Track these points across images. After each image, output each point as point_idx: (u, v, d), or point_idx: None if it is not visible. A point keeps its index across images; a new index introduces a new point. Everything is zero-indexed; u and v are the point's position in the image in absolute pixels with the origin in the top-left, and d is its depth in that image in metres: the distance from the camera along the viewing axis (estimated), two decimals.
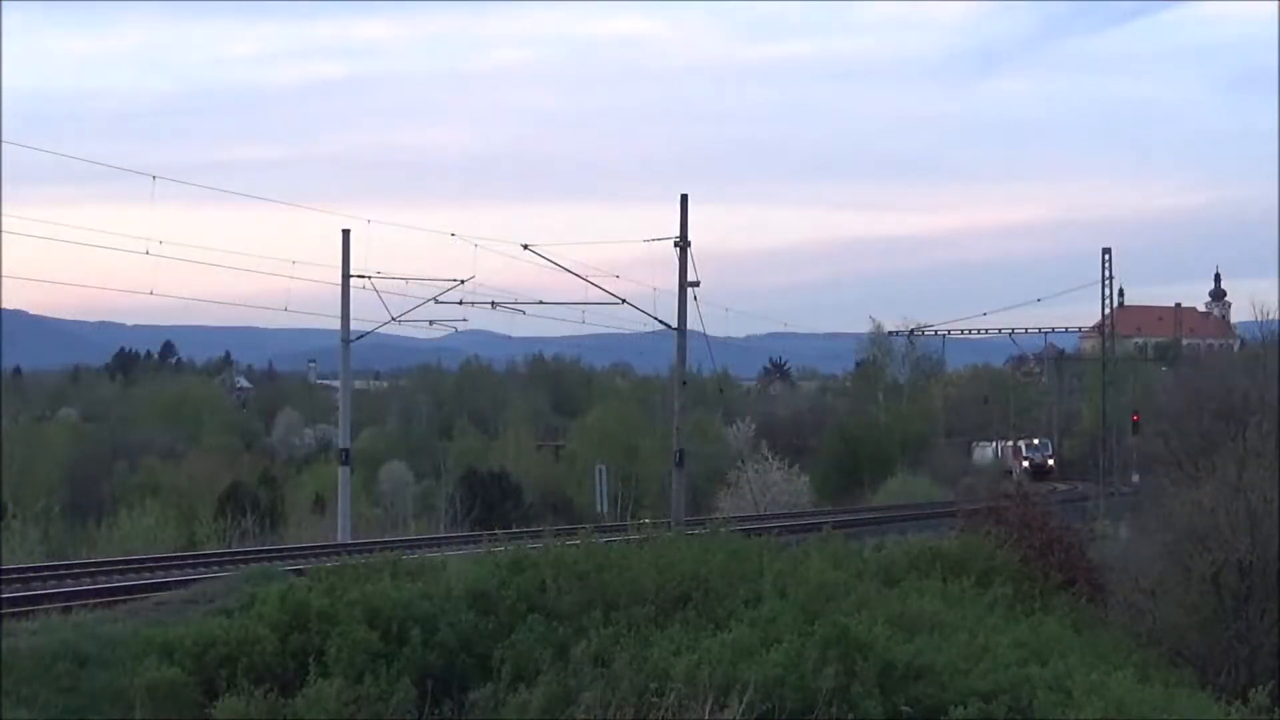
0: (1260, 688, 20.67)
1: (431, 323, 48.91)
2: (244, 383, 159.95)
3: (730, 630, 16.81)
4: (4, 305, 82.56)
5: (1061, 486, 74.18)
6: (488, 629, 17.14)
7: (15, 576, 26.23)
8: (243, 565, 26.53)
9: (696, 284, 41.58)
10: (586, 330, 52.95)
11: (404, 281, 46.78)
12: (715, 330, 54.16)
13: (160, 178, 39.33)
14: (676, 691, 15.15)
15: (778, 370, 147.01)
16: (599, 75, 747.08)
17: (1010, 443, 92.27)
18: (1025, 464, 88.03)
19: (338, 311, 47.00)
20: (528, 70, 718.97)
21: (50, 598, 21.28)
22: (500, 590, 17.99)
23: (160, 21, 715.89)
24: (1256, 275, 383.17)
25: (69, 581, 25.95)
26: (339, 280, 46.30)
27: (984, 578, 23.46)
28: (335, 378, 71.61)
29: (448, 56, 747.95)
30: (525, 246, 42.66)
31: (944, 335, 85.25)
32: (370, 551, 25.05)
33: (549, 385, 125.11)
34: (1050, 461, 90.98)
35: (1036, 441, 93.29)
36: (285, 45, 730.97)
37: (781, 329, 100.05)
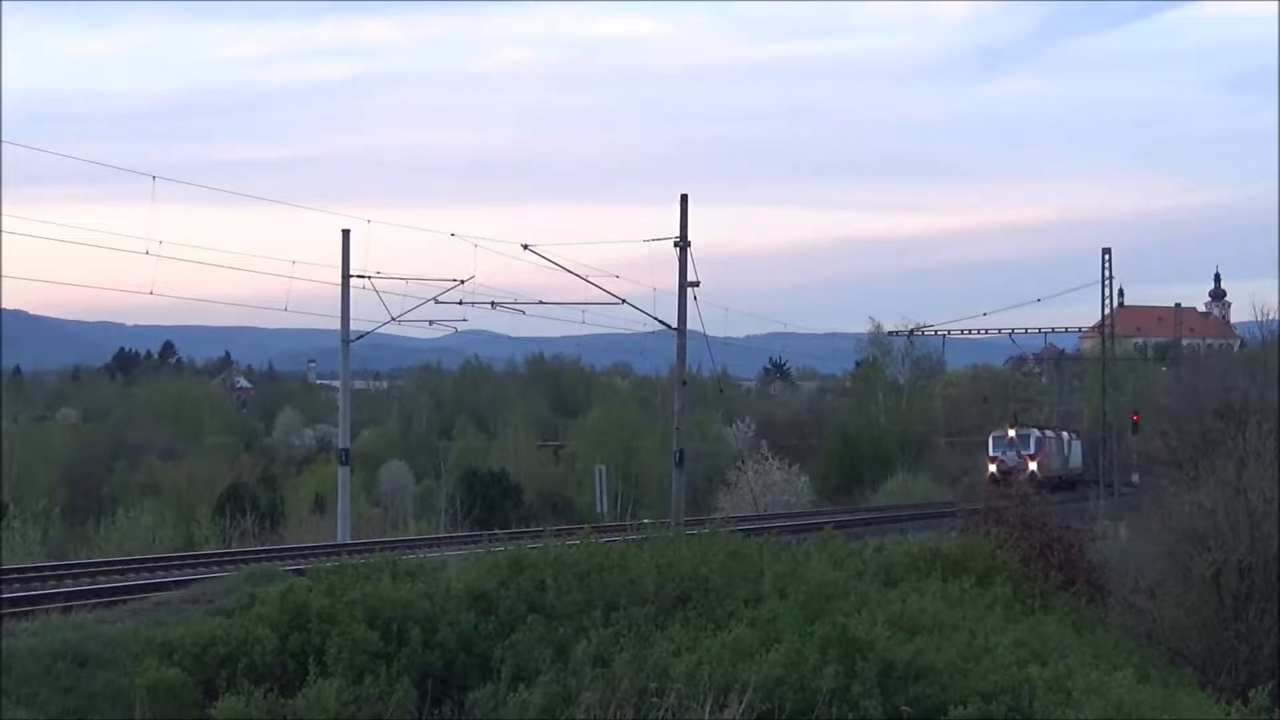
0: (1260, 688, 20.65)
1: (431, 323, 48.88)
2: (244, 383, 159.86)
3: (730, 630, 16.78)
4: (4, 305, 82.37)
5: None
6: (488, 629, 17.13)
7: (15, 576, 26.21)
8: (243, 565, 26.50)
9: (696, 284, 41.58)
10: (586, 330, 52.80)
11: (404, 281, 46.77)
12: (715, 330, 54.11)
13: (160, 178, 39.33)
14: (676, 691, 15.14)
15: (778, 370, 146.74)
16: (599, 75, 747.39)
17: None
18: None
19: (338, 311, 47.01)
20: (528, 70, 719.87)
21: (50, 598, 21.23)
22: (500, 590, 17.97)
23: (162, 22, 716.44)
24: (1256, 275, 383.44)
25: (69, 581, 25.92)
26: (339, 280, 46.34)
27: (984, 578, 23.43)
28: (335, 378, 71.54)
29: (448, 57, 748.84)
30: (525, 246, 42.64)
31: (944, 335, 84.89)
32: (370, 551, 25.03)
33: (549, 385, 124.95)
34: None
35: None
36: (286, 46, 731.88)
37: (781, 329, 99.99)
